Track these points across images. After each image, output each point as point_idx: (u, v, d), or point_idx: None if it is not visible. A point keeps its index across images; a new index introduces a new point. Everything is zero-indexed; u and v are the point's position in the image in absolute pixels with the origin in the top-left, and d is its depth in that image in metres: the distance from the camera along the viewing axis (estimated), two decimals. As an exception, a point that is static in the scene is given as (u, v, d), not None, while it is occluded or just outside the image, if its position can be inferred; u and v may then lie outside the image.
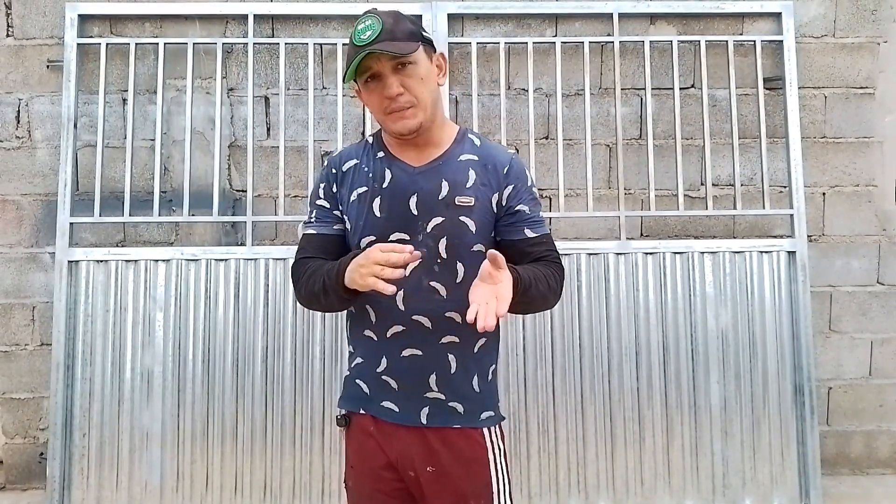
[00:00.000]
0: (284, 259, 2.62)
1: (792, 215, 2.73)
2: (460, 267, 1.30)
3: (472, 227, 1.30)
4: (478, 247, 1.31)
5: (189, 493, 2.55)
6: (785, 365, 2.65)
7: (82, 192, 2.76)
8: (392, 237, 1.30)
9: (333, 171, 1.40)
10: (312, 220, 1.40)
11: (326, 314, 2.57)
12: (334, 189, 1.38)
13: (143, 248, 2.68)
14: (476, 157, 1.35)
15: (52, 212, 2.72)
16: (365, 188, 1.34)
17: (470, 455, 1.33)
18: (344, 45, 2.72)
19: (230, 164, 2.81)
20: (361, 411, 1.37)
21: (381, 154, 1.37)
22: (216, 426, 2.56)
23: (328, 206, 1.39)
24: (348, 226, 1.36)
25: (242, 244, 2.71)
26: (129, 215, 2.67)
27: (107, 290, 2.61)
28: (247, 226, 2.67)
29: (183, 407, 2.57)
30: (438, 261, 1.29)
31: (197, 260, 2.62)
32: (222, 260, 2.63)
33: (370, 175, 1.35)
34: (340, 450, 2.54)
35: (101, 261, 2.62)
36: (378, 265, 1.13)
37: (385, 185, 1.33)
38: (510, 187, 1.33)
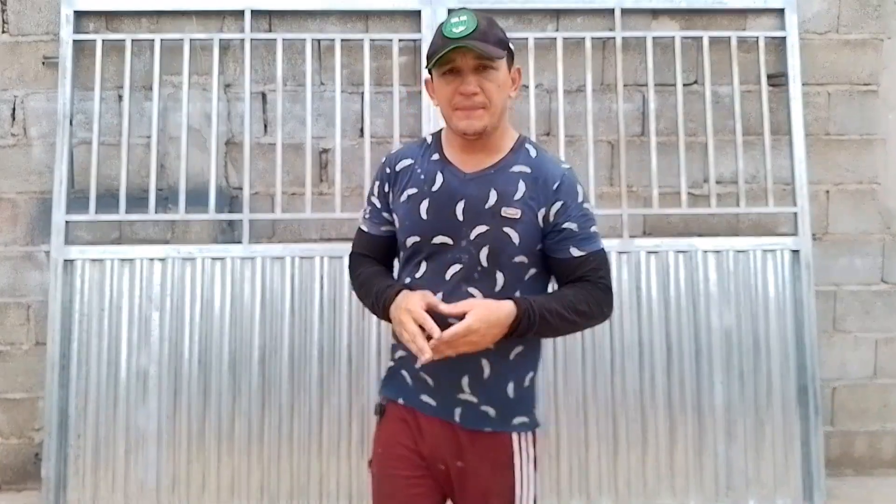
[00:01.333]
0: (281, 258, 2.60)
1: (796, 213, 2.70)
2: (500, 276, 1.32)
3: (516, 240, 1.31)
4: (519, 258, 1.33)
5: (185, 494, 2.52)
6: (789, 365, 2.62)
7: (78, 190, 2.73)
8: (435, 240, 1.33)
9: (388, 170, 1.43)
10: (367, 215, 1.47)
11: (325, 310, 2.59)
12: (386, 188, 1.42)
13: (139, 247, 2.65)
14: (529, 170, 1.35)
15: (48, 210, 2.69)
16: (416, 189, 1.37)
17: (496, 458, 1.34)
18: (342, 40, 2.70)
19: (227, 161, 2.78)
20: (401, 401, 1.39)
21: (435, 157, 1.39)
22: (212, 426, 2.53)
23: (379, 205, 1.44)
24: (396, 224, 1.39)
25: (239, 242, 2.68)
26: (125, 213, 2.64)
27: (102, 289, 2.58)
28: (243, 224, 2.64)
29: (179, 407, 2.54)
30: (479, 268, 1.31)
31: (193, 258, 2.60)
32: (219, 258, 2.60)
33: (422, 177, 1.37)
34: (339, 450, 2.54)
35: (97, 259, 2.59)
36: (408, 333, 1.22)
37: (435, 189, 1.35)
38: (559, 203, 1.34)
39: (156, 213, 2.65)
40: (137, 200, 2.70)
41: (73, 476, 2.53)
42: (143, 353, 2.55)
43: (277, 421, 2.54)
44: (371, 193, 1.46)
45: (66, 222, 2.62)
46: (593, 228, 1.37)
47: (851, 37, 2.84)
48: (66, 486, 2.53)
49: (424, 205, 1.34)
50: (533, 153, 1.38)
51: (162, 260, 2.59)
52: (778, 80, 2.78)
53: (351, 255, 1.51)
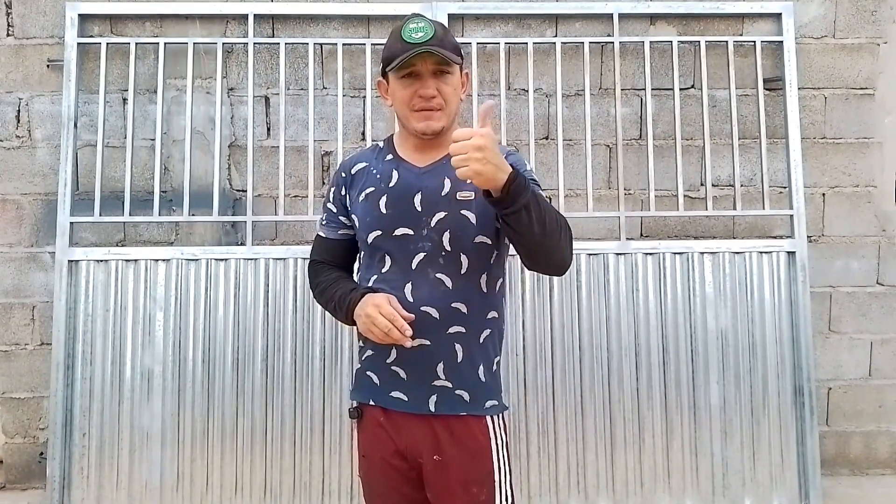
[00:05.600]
0: (284, 259, 2.63)
1: (792, 216, 2.73)
2: (464, 259, 1.36)
3: (473, 220, 1.36)
4: (480, 239, 1.37)
5: (189, 492, 2.55)
6: (784, 365, 2.65)
7: (82, 192, 2.76)
8: (397, 232, 1.38)
9: (343, 174, 1.49)
10: (323, 221, 1.53)
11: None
12: (343, 192, 1.48)
13: (143, 248, 2.68)
14: None
15: (52, 211, 2.72)
16: (373, 188, 1.42)
17: (473, 444, 1.38)
18: (344, 45, 2.73)
19: (230, 163, 2.81)
20: (372, 402, 1.43)
21: (389, 157, 1.45)
22: (216, 426, 2.56)
23: (335, 210, 1.49)
24: (356, 223, 1.44)
25: (242, 244, 2.71)
26: (129, 215, 2.67)
27: (107, 290, 2.61)
28: (247, 226, 2.67)
29: (183, 406, 2.57)
30: (443, 253, 1.36)
31: (197, 260, 2.62)
32: (222, 260, 2.63)
33: (378, 176, 1.43)
34: (341, 448, 2.56)
35: (101, 260, 2.62)
36: (381, 329, 1.27)
37: (392, 185, 1.41)
38: None
39: (160, 215, 2.68)
40: (141, 202, 2.73)
41: (77, 475, 2.56)
42: (148, 353, 2.58)
43: (280, 420, 2.57)
44: (327, 200, 1.51)
45: (71, 224, 2.64)
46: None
47: (848, 41, 2.87)
48: (70, 484, 2.55)
49: (383, 200, 1.39)
50: None
51: (166, 261, 2.62)
52: (774, 84, 2.81)
53: (310, 263, 1.55)
